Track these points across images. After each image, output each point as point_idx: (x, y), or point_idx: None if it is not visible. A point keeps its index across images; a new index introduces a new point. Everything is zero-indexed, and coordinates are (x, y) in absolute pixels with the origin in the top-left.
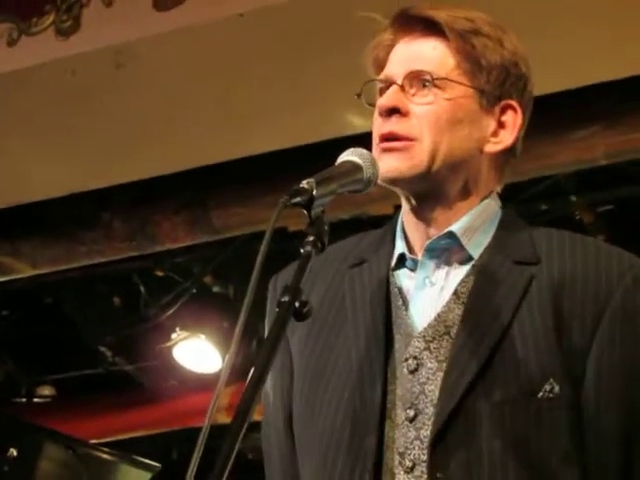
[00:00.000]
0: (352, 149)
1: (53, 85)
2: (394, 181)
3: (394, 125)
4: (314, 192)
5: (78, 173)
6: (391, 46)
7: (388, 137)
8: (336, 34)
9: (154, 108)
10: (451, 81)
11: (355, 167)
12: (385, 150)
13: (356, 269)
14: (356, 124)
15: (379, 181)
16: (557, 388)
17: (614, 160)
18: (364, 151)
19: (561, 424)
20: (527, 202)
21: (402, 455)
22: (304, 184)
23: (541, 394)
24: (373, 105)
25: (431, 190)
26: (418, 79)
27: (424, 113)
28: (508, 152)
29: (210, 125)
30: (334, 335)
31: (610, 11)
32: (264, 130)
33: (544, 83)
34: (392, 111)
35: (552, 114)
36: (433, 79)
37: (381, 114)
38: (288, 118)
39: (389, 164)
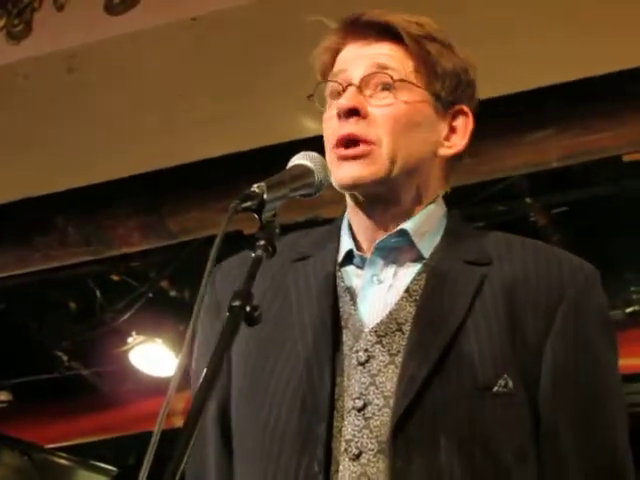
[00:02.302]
0: (303, 152)
1: (5, 89)
2: (354, 187)
3: (353, 127)
4: (265, 196)
5: (31, 177)
6: (339, 50)
7: (347, 139)
8: (288, 38)
9: (107, 112)
10: (410, 83)
11: (306, 171)
12: (344, 158)
13: (300, 263)
14: (309, 127)
15: (337, 187)
16: (511, 384)
17: (567, 163)
18: (315, 154)
19: (516, 419)
20: (482, 204)
21: (348, 442)
22: (255, 188)
23: (496, 389)
24: (324, 107)
25: (387, 194)
26: (377, 81)
27: (383, 115)
28: (457, 157)
29: (163, 129)
30: (278, 328)
31: (561, 14)
32: (217, 134)
33: (497, 86)
34: (351, 112)
35: (505, 117)
36: (394, 81)
37: (339, 115)
38: (241, 122)
39: (350, 173)
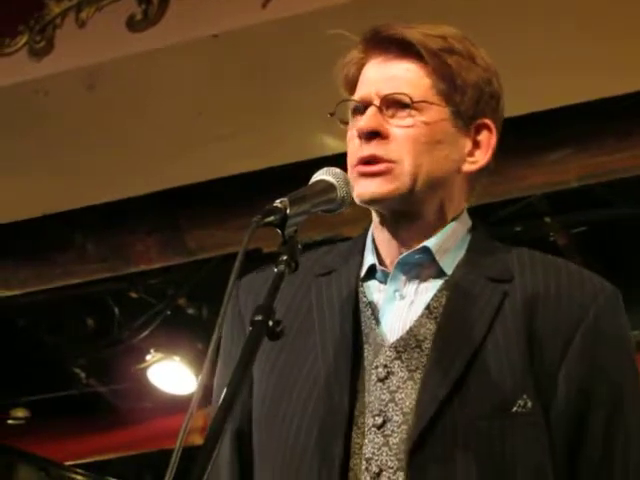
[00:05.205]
0: (326, 168)
1: (25, 106)
2: (372, 202)
3: (375, 148)
4: (287, 211)
5: (50, 194)
6: (362, 64)
7: (368, 160)
8: (310, 56)
9: (126, 129)
10: (429, 103)
11: (329, 186)
12: (364, 174)
13: (324, 278)
14: (331, 145)
15: (357, 202)
16: (530, 404)
17: (587, 182)
18: (338, 170)
19: (535, 439)
20: (501, 224)
21: (369, 461)
22: (277, 203)
23: (515, 409)
24: (346, 123)
25: (409, 209)
26: (396, 102)
27: (403, 136)
28: (482, 171)
29: (182, 146)
30: (300, 344)
31: (578, 34)
32: (237, 151)
33: (517, 105)
34: (372, 134)
35: (525, 136)
36: (413, 102)
37: (360, 137)
38: (261, 139)
39: (369, 188)
